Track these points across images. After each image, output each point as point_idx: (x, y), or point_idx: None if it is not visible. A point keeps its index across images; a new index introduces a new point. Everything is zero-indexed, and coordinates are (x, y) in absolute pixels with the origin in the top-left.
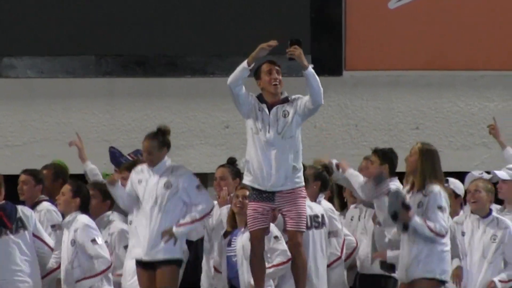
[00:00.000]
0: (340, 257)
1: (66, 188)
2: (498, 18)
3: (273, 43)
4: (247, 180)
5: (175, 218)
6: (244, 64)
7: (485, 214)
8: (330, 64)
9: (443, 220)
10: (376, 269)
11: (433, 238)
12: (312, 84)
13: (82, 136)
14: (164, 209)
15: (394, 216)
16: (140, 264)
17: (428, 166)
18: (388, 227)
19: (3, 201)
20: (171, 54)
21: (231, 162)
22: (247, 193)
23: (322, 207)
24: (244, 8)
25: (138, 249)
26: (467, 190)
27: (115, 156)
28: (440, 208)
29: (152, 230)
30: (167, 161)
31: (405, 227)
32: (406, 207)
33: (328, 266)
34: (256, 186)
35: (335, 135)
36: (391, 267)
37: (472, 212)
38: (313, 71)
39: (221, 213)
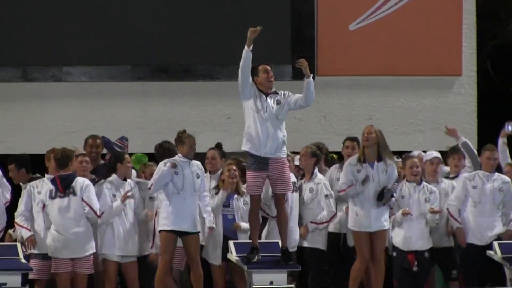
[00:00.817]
0: (335, 214)
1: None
2: (431, 35)
3: (259, 28)
4: (246, 147)
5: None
6: (246, 48)
7: (419, 183)
8: None
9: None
10: None
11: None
12: (310, 88)
13: (122, 125)
14: (197, 193)
15: (383, 203)
16: (175, 233)
17: (385, 144)
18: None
19: (69, 172)
20: (187, 64)
21: (219, 146)
22: (234, 167)
23: (318, 176)
24: (241, 29)
25: (181, 223)
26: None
27: (108, 143)
28: (397, 179)
29: (195, 210)
30: None
31: (384, 204)
32: (392, 196)
33: (329, 221)
34: (254, 152)
35: (309, 124)
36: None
37: (409, 181)
38: (312, 80)
39: (211, 182)
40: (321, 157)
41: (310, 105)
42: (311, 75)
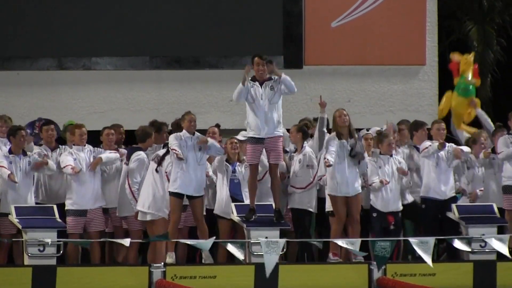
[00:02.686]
0: (312, 182)
1: None
2: (399, 31)
3: (248, 68)
4: (250, 134)
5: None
6: (240, 85)
7: (390, 155)
8: (295, 62)
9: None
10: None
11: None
12: (287, 84)
13: (141, 106)
14: (199, 163)
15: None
16: (180, 196)
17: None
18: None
19: (138, 146)
20: (196, 56)
21: (218, 126)
22: (235, 141)
23: (306, 149)
24: (241, 27)
25: (186, 188)
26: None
27: (30, 125)
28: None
29: (198, 177)
30: None
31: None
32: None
33: (304, 188)
34: (254, 135)
35: (298, 104)
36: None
37: (383, 154)
38: (285, 76)
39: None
40: (307, 132)
41: (294, 92)
42: (282, 74)
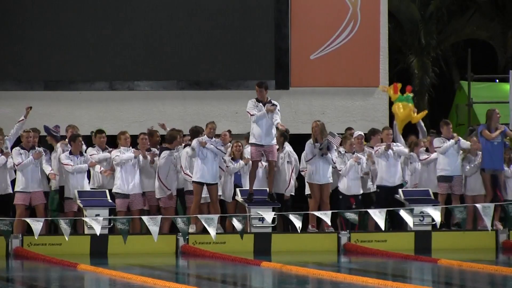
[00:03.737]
0: (291, 173)
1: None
2: (360, 62)
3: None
4: (253, 140)
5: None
6: (263, 112)
7: (352, 153)
8: (283, 84)
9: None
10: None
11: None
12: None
13: (171, 118)
14: (215, 159)
15: (322, 148)
16: (201, 184)
17: (325, 130)
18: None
19: (166, 146)
20: (211, 79)
21: (229, 131)
22: (240, 143)
23: (286, 148)
24: (244, 59)
25: (206, 177)
26: (348, 144)
27: (47, 129)
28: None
29: (215, 170)
30: None
31: (325, 154)
32: (328, 148)
33: (288, 185)
34: (257, 142)
35: (285, 116)
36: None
37: (347, 152)
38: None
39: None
40: (287, 136)
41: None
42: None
